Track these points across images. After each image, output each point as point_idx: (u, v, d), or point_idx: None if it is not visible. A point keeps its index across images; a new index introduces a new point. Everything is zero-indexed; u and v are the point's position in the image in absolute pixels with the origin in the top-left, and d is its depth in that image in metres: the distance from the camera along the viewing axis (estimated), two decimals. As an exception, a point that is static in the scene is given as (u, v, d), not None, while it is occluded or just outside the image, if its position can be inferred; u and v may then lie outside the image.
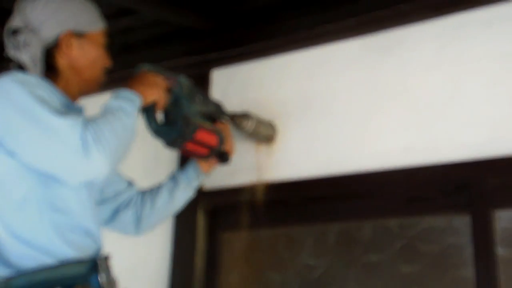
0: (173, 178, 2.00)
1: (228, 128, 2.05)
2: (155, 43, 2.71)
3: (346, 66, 2.31)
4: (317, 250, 2.28)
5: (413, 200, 2.11)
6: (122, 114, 1.58)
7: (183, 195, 1.99)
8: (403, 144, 2.12)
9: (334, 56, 2.34)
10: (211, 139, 1.90)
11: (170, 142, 1.85)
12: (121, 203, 1.92)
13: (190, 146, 1.86)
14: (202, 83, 2.51)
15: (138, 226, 1.95)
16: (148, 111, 1.79)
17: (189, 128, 1.82)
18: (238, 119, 2.20)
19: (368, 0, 2.26)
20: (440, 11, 2.14)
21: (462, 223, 2.02)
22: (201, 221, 2.47)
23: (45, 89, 1.57)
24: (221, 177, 2.38)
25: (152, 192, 1.97)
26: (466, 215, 2.00)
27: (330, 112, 2.30)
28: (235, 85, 2.56)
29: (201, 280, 2.43)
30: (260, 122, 2.29)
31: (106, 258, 1.60)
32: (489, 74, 2.03)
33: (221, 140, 1.94)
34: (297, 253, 2.32)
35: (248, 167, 2.42)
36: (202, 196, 2.33)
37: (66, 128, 1.48)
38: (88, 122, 1.52)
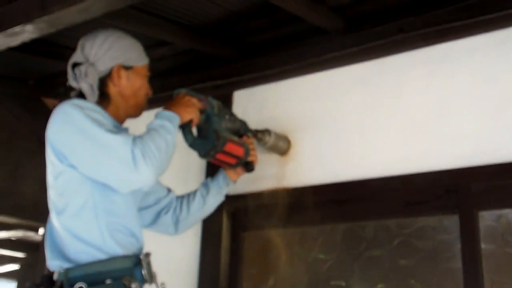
0: (206, 185, 2.06)
1: (253, 142, 2.11)
2: (186, 69, 2.77)
3: (350, 88, 2.36)
4: (326, 247, 2.32)
5: (409, 203, 2.14)
6: (164, 131, 1.67)
7: (214, 200, 2.06)
8: (400, 154, 2.17)
9: (339, 79, 2.40)
10: (239, 151, 1.96)
11: (204, 153, 1.91)
12: (162, 208, 1.99)
13: (220, 156, 1.92)
14: (225, 103, 2.47)
15: (176, 227, 2.02)
16: (184, 127, 1.86)
17: (220, 141, 1.87)
18: (260, 134, 2.27)
19: (368, 31, 2.32)
20: (429, 41, 2.20)
21: (451, 222, 2.06)
22: (225, 222, 2.53)
23: (99, 112, 1.67)
24: (242, 183, 2.40)
25: (188, 198, 2.04)
26: (454, 215, 2.05)
27: (337, 128, 2.35)
28: (254, 104, 2.61)
29: (226, 273, 2.49)
30: (278, 137, 2.36)
31: (147, 255, 1.69)
32: (473, 96, 2.08)
33: (247, 152, 2.00)
34: (309, 249, 2.36)
35: (265, 175, 2.47)
36: (226, 200, 2.32)
37: (119, 144, 1.57)
38: (137, 138, 1.61)
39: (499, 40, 2.08)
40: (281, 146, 2.40)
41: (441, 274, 2.05)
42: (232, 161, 1.97)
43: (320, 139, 2.39)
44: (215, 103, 1.97)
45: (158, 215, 2.00)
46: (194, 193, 2.06)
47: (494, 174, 1.98)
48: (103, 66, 1.76)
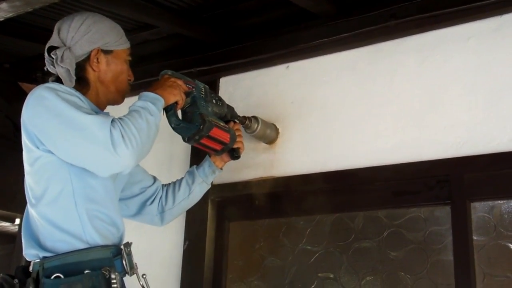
0: (191, 173, 2.00)
1: (240, 128, 2.05)
2: (170, 54, 2.70)
3: (340, 75, 2.31)
4: (314, 237, 2.28)
5: (399, 193, 2.11)
6: (147, 112, 1.60)
7: (200, 188, 2.00)
8: (391, 143, 2.13)
9: (329, 66, 2.35)
10: (225, 136, 1.90)
11: (189, 137, 1.84)
12: (147, 198, 1.94)
13: (205, 141, 1.86)
14: (211, 89, 2.48)
15: (162, 217, 1.96)
16: (168, 110, 1.79)
17: (206, 125, 1.81)
18: (248, 121, 2.21)
19: (360, 17, 2.27)
20: (422, 28, 2.16)
21: (443, 214, 2.03)
22: (210, 211, 2.47)
23: (75, 95, 1.59)
24: (228, 172, 2.35)
25: (173, 187, 1.98)
26: (446, 206, 2.01)
27: (326, 116, 2.31)
28: (241, 91, 2.55)
29: (210, 264, 2.44)
30: (266, 125, 2.30)
31: (127, 244, 1.62)
32: (466, 83, 2.04)
33: (233, 138, 1.93)
34: (296, 240, 2.32)
35: (252, 164, 2.42)
36: (212, 189, 2.29)
37: (96, 125, 1.50)
38: (116, 119, 1.53)
39: (494, 27, 2.04)
40: (269, 134, 2.35)
41: (431, 266, 2.02)
42: (217, 146, 1.91)
43: (309, 127, 2.35)
44: (202, 86, 1.90)
45: (143, 205, 1.95)
46: (179, 181, 2.00)
47: (487, 164, 1.95)
48: (81, 50, 1.69)
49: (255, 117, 2.26)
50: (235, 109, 2.12)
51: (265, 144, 2.41)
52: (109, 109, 1.79)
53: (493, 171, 1.94)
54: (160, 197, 1.96)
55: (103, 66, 1.71)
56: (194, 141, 1.84)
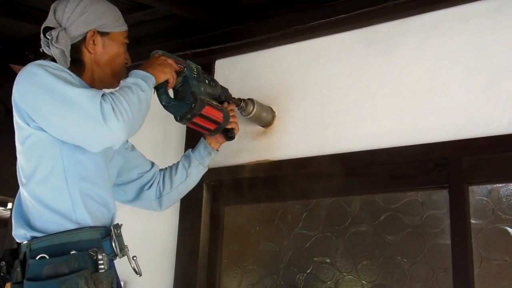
0: (187, 156, 1.99)
1: (234, 109, 2.02)
2: (165, 35, 2.67)
3: (337, 57, 2.28)
4: (310, 222, 2.26)
5: (397, 177, 2.09)
6: (138, 88, 1.58)
7: (197, 171, 1.99)
8: (389, 127, 2.11)
9: (327, 48, 2.32)
10: (218, 115, 1.86)
11: (181, 116, 1.81)
12: (145, 183, 1.93)
13: (198, 120, 1.83)
14: (206, 72, 2.45)
15: (160, 202, 1.95)
16: (159, 89, 1.76)
17: (198, 103, 1.78)
18: (243, 103, 2.18)
19: None
20: (421, 9, 2.13)
21: (440, 197, 2.01)
22: (205, 195, 2.45)
23: (66, 72, 1.57)
24: (224, 156, 2.36)
25: (170, 171, 1.97)
26: (444, 190, 2.00)
27: (323, 99, 2.28)
28: (236, 74, 2.52)
29: (205, 249, 2.42)
30: (262, 107, 2.28)
31: (117, 226, 1.60)
32: (465, 65, 2.02)
33: (226, 117, 1.90)
34: (292, 224, 2.30)
35: (248, 147, 2.40)
36: (207, 173, 2.23)
37: (86, 99, 1.48)
38: (107, 94, 1.51)
39: (494, 8, 2.01)
40: (265, 117, 2.33)
41: (428, 250, 2.01)
42: (211, 126, 1.88)
43: (305, 110, 2.32)
44: (194, 66, 1.87)
45: (141, 190, 1.93)
46: (176, 165, 1.99)
47: (486, 147, 1.92)
48: (76, 31, 1.67)
49: (250, 99, 2.23)
50: (231, 92, 2.08)
51: (260, 127, 2.38)
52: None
53: (492, 154, 1.92)
54: (158, 182, 1.94)
55: (99, 48, 1.70)
56: (187, 120, 1.81)
